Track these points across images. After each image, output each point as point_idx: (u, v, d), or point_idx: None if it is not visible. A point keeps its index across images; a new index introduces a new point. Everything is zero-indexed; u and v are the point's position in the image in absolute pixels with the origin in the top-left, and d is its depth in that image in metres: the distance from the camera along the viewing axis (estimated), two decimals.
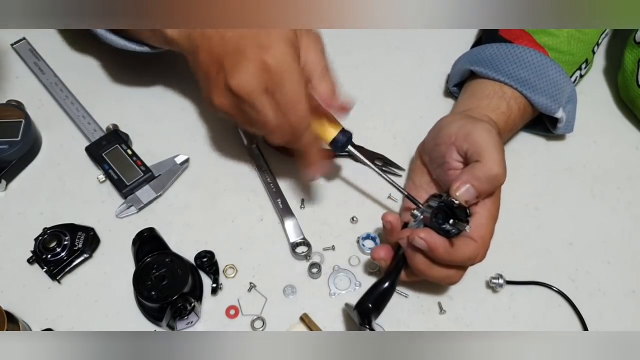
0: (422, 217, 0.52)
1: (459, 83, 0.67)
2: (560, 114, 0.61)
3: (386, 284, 0.51)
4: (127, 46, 0.61)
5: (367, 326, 0.50)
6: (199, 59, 0.52)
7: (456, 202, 0.50)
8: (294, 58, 0.49)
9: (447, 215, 0.50)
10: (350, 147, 0.55)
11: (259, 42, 0.49)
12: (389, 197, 0.63)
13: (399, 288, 0.57)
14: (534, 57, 0.60)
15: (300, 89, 0.49)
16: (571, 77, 0.64)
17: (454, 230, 0.49)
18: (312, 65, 0.52)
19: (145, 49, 0.60)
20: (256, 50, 0.49)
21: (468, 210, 0.50)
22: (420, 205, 0.53)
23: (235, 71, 0.49)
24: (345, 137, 0.55)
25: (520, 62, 0.60)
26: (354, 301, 0.51)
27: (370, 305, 0.50)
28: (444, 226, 0.49)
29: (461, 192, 0.50)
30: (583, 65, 0.66)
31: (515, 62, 0.60)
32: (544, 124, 0.65)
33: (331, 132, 0.54)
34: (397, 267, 0.53)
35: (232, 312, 0.56)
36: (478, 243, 0.50)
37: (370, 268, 0.59)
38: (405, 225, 0.54)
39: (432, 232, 0.49)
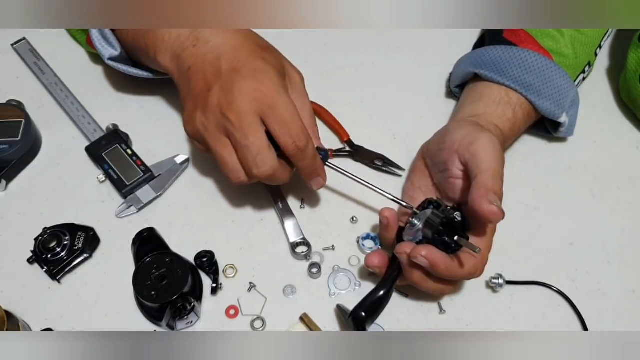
0: (421, 226, 0.51)
1: (461, 84, 0.67)
2: (563, 118, 0.61)
3: (381, 293, 0.50)
4: (136, 73, 0.63)
5: None
6: (191, 77, 0.52)
7: (458, 217, 0.50)
8: (284, 88, 0.51)
9: (448, 229, 0.49)
10: (328, 164, 0.56)
11: (254, 67, 0.50)
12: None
13: (398, 287, 0.57)
14: (540, 61, 0.60)
15: (293, 109, 0.50)
16: (575, 80, 0.64)
17: (454, 246, 0.49)
18: (302, 112, 0.53)
19: (150, 75, 0.63)
20: (251, 74, 0.50)
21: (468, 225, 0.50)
22: (415, 209, 0.53)
23: (229, 92, 0.50)
24: (320, 155, 0.54)
25: (525, 66, 0.60)
26: (352, 302, 0.51)
27: (364, 314, 0.49)
28: (444, 238, 0.49)
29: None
30: (586, 69, 0.66)
31: (521, 66, 0.60)
32: (544, 125, 0.65)
33: None
34: (392, 276, 0.52)
35: (232, 312, 0.56)
36: (477, 258, 0.50)
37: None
38: (400, 230, 0.54)
39: (433, 249, 0.49)
